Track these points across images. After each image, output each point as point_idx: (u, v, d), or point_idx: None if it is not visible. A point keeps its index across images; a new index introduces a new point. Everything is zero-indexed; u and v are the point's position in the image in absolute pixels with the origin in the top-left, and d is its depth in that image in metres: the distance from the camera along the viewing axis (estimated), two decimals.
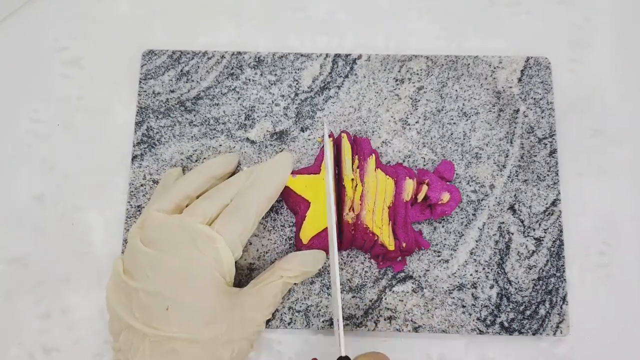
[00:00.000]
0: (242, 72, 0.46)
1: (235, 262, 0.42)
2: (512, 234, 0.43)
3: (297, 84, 0.46)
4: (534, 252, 0.43)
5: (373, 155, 0.43)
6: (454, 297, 0.42)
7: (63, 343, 0.42)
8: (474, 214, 0.43)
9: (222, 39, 0.48)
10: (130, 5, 0.49)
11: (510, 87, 0.46)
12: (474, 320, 0.41)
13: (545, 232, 0.43)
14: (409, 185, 0.42)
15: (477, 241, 0.43)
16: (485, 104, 0.46)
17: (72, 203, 0.45)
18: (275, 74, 0.46)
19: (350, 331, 0.41)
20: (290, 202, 0.43)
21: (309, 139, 0.45)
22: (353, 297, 0.42)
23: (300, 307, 0.42)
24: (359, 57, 0.47)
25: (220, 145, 0.45)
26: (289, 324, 0.41)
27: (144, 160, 0.45)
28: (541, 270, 0.42)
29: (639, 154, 0.46)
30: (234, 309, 0.36)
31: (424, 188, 0.42)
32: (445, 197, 0.42)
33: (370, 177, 0.42)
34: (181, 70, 0.46)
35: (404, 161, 0.44)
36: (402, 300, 0.42)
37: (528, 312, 0.42)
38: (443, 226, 0.43)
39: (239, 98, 0.46)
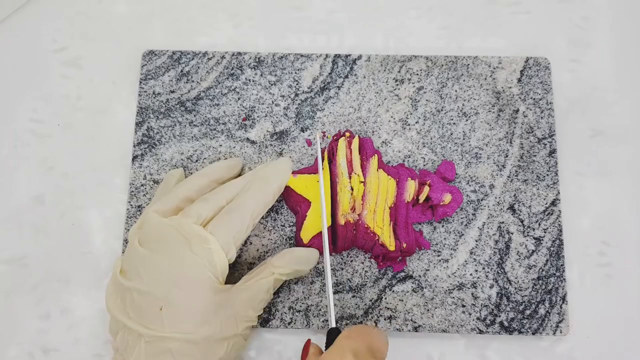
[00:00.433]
0: (242, 73, 0.46)
1: (235, 261, 0.42)
2: (512, 233, 0.43)
3: (297, 84, 0.46)
4: (533, 251, 0.43)
5: (376, 155, 0.43)
6: (453, 297, 0.42)
7: (62, 343, 0.42)
8: (473, 214, 0.44)
9: (221, 38, 0.48)
10: (130, 5, 0.49)
11: (510, 88, 0.46)
12: (473, 320, 0.41)
13: (545, 232, 0.43)
14: (411, 186, 0.42)
15: (477, 241, 0.43)
16: (484, 104, 0.46)
17: (72, 203, 0.45)
18: (275, 75, 0.46)
19: None
20: (290, 202, 0.43)
21: (309, 139, 0.45)
22: (353, 296, 0.42)
23: (301, 307, 0.42)
24: (359, 57, 0.47)
25: (221, 145, 0.45)
26: (289, 324, 0.41)
27: (144, 160, 0.45)
28: (541, 270, 0.42)
29: (639, 154, 0.46)
30: (227, 307, 0.36)
31: (426, 189, 0.42)
32: (447, 198, 0.42)
33: (372, 177, 0.42)
34: (181, 71, 0.46)
35: (404, 161, 0.44)
36: (402, 300, 0.42)
37: (528, 312, 0.42)
38: (443, 226, 0.43)
39: (239, 98, 0.46)
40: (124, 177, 0.45)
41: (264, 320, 0.41)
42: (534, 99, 0.46)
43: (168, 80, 0.46)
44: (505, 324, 0.41)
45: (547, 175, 0.44)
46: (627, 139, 0.47)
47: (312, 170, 0.43)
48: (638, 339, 0.42)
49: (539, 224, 0.43)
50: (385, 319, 0.41)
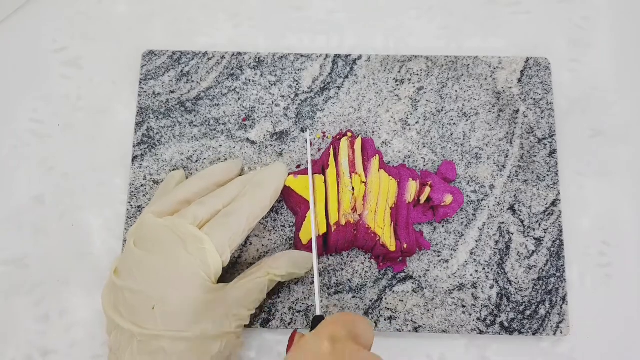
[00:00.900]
0: (242, 73, 0.46)
1: (236, 261, 0.42)
2: (512, 234, 0.43)
3: (297, 84, 0.46)
4: (534, 252, 0.43)
5: (377, 155, 0.43)
6: (454, 297, 0.42)
7: (60, 345, 0.42)
8: (474, 214, 0.44)
9: (221, 38, 0.48)
10: (130, 5, 0.49)
11: (510, 88, 0.46)
12: (474, 320, 0.41)
13: (545, 232, 0.43)
14: (412, 186, 0.42)
15: (477, 241, 0.43)
16: (485, 105, 0.46)
17: (72, 203, 0.44)
18: (276, 75, 0.46)
19: None
20: (290, 203, 0.43)
21: (311, 140, 0.45)
22: (353, 297, 0.42)
23: (301, 308, 0.42)
24: (359, 57, 0.47)
25: (221, 145, 0.45)
26: (289, 324, 0.41)
27: (144, 160, 0.44)
28: (541, 270, 0.42)
29: (639, 154, 0.46)
30: (219, 305, 0.36)
31: (427, 190, 0.42)
32: (448, 199, 0.42)
33: (373, 177, 0.42)
34: (181, 71, 0.46)
35: (404, 161, 0.44)
36: (402, 301, 0.42)
37: (528, 312, 0.42)
38: (443, 226, 0.43)
39: (239, 99, 0.46)
40: (124, 178, 0.45)
41: (264, 320, 0.41)
42: (534, 99, 0.46)
43: (168, 81, 0.46)
44: (506, 324, 0.41)
45: (548, 175, 0.44)
46: (627, 139, 0.47)
47: (313, 171, 0.43)
48: (638, 339, 0.42)
49: (539, 225, 0.43)
50: (385, 320, 0.41)
